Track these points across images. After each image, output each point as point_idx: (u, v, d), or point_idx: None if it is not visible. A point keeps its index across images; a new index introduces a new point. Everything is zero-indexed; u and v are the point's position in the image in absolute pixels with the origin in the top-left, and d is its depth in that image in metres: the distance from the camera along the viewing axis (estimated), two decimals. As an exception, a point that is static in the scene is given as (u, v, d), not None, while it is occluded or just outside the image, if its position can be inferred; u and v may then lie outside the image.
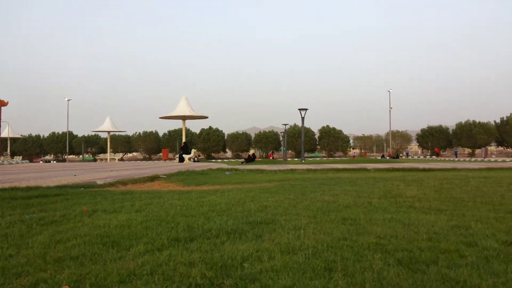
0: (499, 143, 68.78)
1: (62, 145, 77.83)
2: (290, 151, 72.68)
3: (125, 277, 2.65)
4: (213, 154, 74.89)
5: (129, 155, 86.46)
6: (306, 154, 63.82)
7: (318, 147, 76.13)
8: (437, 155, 52.48)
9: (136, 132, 78.79)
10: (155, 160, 67.15)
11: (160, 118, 45.40)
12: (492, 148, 72.34)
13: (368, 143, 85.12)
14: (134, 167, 23.49)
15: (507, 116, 65.31)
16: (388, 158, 49.86)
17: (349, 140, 79.61)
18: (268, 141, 73.25)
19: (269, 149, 72.08)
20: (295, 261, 2.95)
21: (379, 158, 51.80)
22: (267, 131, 78.06)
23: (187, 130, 67.19)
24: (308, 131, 71.17)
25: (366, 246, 3.33)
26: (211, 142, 72.37)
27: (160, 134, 77.54)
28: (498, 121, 66.51)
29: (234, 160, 53.15)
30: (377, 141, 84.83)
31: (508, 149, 68.89)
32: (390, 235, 3.73)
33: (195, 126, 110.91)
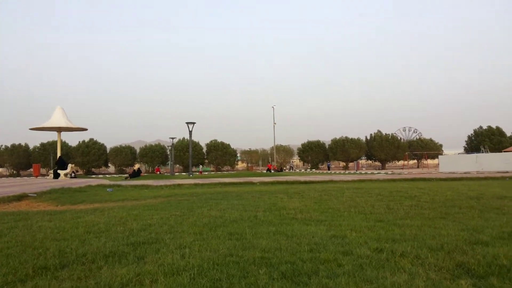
0: (368, 157, 76.92)
1: None
2: (177, 165, 71.57)
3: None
4: (93, 169, 70.03)
5: (-7, 171, 76.32)
6: (194, 168, 63.36)
7: (206, 161, 76.35)
8: (269, 170, 53.16)
9: (1, 145, 69.96)
10: (25, 176, 60.20)
11: (31, 129, 40.89)
12: (363, 161, 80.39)
13: (255, 157, 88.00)
14: (-2, 185, 20.75)
15: (374, 133, 73.59)
16: (273, 171, 52.07)
17: (236, 154, 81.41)
18: (154, 155, 71.12)
19: (156, 164, 70.01)
20: (180, 283, 2.80)
21: (265, 171, 53.82)
22: (153, 144, 75.85)
23: (64, 143, 61.96)
24: (196, 145, 71.02)
25: (251, 261, 3.32)
26: (91, 156, 67.56)
27: (31, 147, 69.93)
28: (368, 137, 74.40)
29: (117, 176, 50.41)
30: (262, 155, 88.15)
31: (375, 162, 77.25)
32: (275, 248, 3.79)
33: (73, 139, 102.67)
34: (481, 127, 72.26)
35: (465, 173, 27.00)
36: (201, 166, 65.42)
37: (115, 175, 53.91)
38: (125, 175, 44.05)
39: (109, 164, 73.57)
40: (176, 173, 52.95)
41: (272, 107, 67.45)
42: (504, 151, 47.77)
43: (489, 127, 71.00)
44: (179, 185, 17.16)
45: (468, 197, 8.43)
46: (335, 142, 72.65)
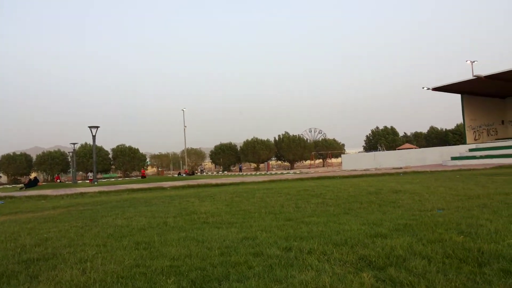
0: (278, 158, 79.49)
1: None
2: (81, 172, 67.14)
3: None
4: (-18, 180, 62.78)
5: None
6: (99, 175, 59.98)
7: (113, 167, 72.72)
8: (143, 177, 46.98)
9: None
10: None
11: None
12: (273, 162, 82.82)
13: (165, 161, 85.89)
14: None
15: (282, 134, 76.25)
16: (184, 175, 51.27)
17: (146, 159, 78.74)
18: (54, 163, 65.98)
19: (56, 172, 64.94)
20: (78, 302, 2.56)
21: (176, 175, 52.77)
22: (52, 151, 70.26)
23: None
24: (101, 150, 67.34)
25: (159, 271, 3.17)
26: (-22, 166, 60.52)
27: None
28: (277, 138, 76.78)
29: (10, 186, 45.72)
30: (173, 159, 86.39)
31: (285, 163, 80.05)
32: (185, 255, 3.67)
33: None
34: (377, 127, 78.79)
35: (365, 170, 29.11)
36: (89, 173, 57.41)
37: (8, 186, 48.87)
38: (20, 185, 40.07)
39: (1, 174, 66.55)
40: (79, 181, 49.57)
41: (182, 110, 66.56)
42: (398, 149, 52.61)
43: (385, 127, 77.72)
44: (81, 193, 16.01)
45: (368, 192, 9.04)
46: (247, 144, 73.92)
